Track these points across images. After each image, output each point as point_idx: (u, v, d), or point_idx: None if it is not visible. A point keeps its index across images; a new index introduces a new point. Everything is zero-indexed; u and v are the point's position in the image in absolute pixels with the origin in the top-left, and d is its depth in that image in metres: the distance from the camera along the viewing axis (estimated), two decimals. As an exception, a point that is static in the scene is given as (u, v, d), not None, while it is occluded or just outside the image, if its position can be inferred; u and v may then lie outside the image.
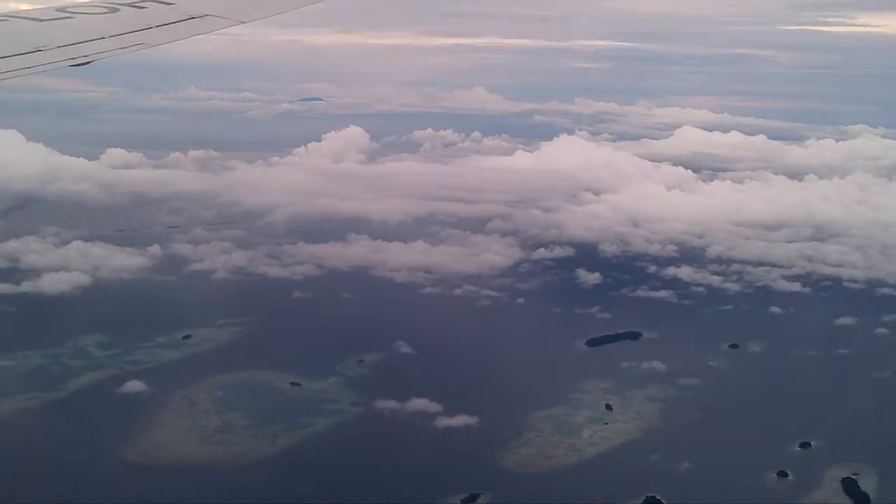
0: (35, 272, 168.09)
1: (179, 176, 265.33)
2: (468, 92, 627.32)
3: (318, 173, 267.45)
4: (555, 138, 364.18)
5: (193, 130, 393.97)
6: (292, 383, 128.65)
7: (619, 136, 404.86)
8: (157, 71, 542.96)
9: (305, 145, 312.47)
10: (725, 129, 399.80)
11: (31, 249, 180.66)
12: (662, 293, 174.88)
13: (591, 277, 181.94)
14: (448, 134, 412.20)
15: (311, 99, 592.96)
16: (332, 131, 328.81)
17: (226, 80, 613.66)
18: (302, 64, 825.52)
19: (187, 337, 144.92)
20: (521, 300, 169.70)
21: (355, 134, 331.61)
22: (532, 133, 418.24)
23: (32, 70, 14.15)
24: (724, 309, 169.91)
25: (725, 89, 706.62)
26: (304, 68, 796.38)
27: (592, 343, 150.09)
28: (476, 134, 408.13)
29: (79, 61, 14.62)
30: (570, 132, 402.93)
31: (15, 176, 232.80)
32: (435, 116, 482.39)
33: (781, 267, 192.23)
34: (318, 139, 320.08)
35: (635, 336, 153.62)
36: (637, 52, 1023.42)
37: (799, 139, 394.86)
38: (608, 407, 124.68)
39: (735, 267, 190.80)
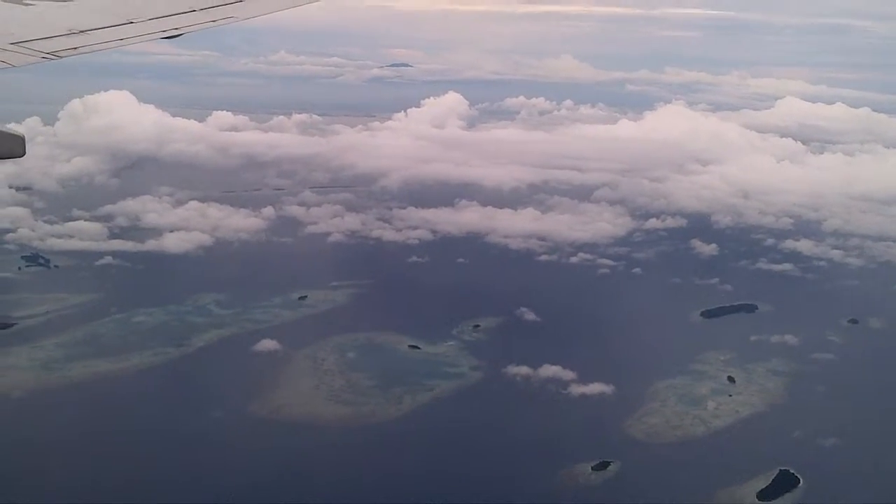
0: (156, 231, 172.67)
1: (286, 139, 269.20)
2: (557, 60, 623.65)
3: (424, 138, 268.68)
4: (654, 107, 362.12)
5: (288, 94, 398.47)
6: (411, 346, 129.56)
7: (717, 107, 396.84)
8: (246, 35, 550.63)
9: (405, 111, 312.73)
10: (825, 101, 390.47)
11: (150, 209, 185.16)
12: (784, 266, 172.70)
13: (707, 249, 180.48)
14: (540, 102, 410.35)
15: (400, 65, 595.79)
16: (431, 97, 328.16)
17: (314, 44, 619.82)
18: (388, 30, 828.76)
19: (303, 298, 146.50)
20: (637, 270, 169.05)
21: (454, 100, 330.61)
22: (625, 102, 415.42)
23: (124, 42, 14.07)
24: (848, 284, 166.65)
25: (821, 60, 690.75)
26: (391, 34, 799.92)
27: (708, 314, 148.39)
28: (568, 102, 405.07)
29: (169, 34, 14.37)
30: (667, 101, 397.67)
31: (131, 137, 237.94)
32: (524, 84, 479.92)
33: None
34: (417, 105, 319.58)
35: (751, 309, 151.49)
36: (728, 21, 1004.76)
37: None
38: (730, 379, 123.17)
39: (854, 241, 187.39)
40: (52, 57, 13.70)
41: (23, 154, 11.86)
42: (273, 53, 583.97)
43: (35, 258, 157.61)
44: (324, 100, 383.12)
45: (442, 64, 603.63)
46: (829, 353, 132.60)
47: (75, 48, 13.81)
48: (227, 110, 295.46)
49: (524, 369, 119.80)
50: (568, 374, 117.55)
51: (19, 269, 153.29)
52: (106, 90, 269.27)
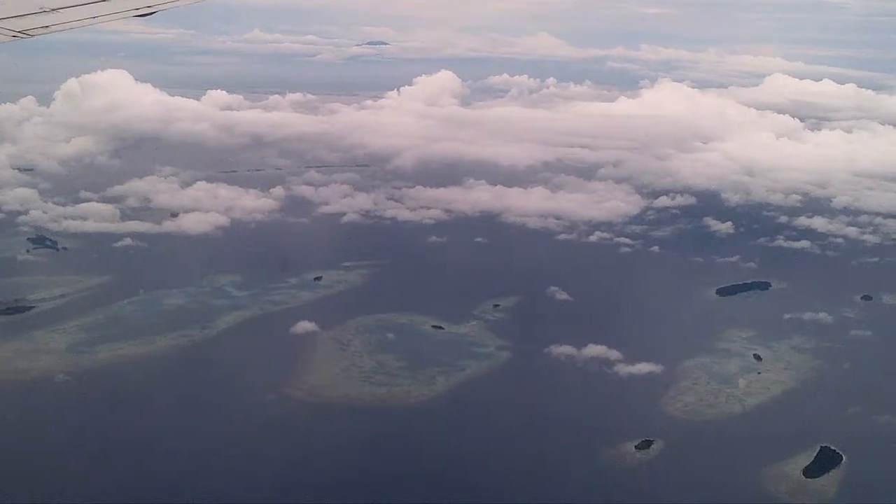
0: (167, 212, 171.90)
1: (287, 118, 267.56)
2: (533, 37, 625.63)
3: (426, 117, 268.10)
4: (639, 85, 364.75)
5: (272, 73, 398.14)
6: (434, 326, 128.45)
7: (702, 84, 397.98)
8: (218, 12, 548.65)
9: (397, 89, 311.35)
10: (803, 77, 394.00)
11: (160, 189, 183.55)
12: (803, 243, 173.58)
13: (723, 227, 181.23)
14: (524, 80, 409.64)
15: (378, 43, 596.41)
16: (422, 75, 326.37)
17: (287, 22, 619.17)
18: (359, 6, 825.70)
19: (318, 279, 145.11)
20: (655, 248, 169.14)
21: (446, 78, 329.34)
22: (610, 79, 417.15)
23: (97, 20, 14.40)
24: (868, 261, 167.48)
25: (794, 36, 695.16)
26: (362, 11, 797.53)
27: (723, 292, 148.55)
28: (551, 80, 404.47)
29: (142, 12, 14.89)
30: (652, 79, 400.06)
31: (133, 116, 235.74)
32: (504, 62, 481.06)
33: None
34: (404, 83, 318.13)
35: (765, 286, 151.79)
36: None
37: (881, 88, 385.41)
38: (757, 357, 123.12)
39: (864, 218, 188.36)
40: (24, 35, 13.74)
41: None
42: (247, 31, 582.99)
43: (42, 240, 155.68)
44: (308, 78, 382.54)
45: (418, 42, 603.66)
46: (851, 330, 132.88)
47: (47, 26, 14.01)
48: (219, 89, 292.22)
49: (557, 348, 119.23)
50: (602, 353, 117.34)
51: (27, 251, 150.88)
52: (84, 69, 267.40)
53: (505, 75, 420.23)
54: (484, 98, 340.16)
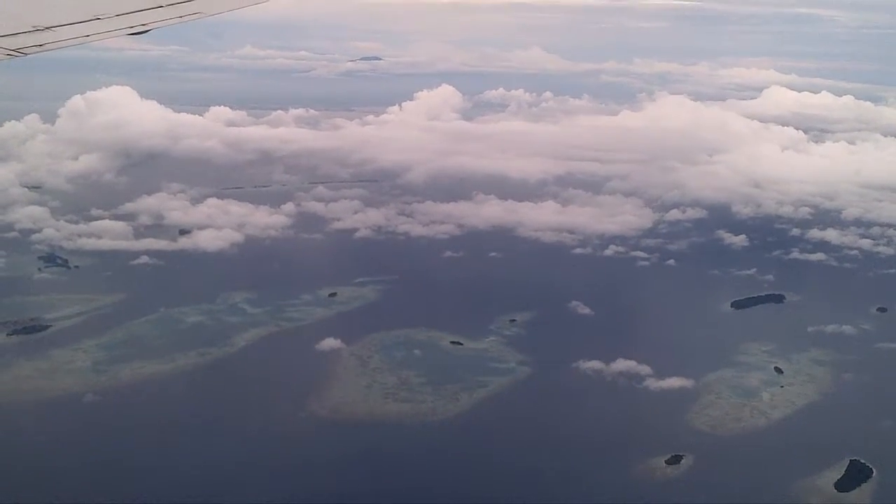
0: (179, 228, 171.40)
1: (295, 134, 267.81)
2: (526, 52, 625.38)
3: (432, 132, 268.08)
4: (636, 98, 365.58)
5: (267, 89, 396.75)
6: (453, 342, 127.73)
7: (699, 97, 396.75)
8: (210, 29, 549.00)
9: (399, 104, 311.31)
10: (799, 90, 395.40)
11: (171, 206, 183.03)
12: (818, 256, 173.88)
13: (737, 240, 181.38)
14: (521, 94, 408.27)
15: (371, 58, 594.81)
16: (423, 90, 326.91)
17: (279, 38, 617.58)
18: (350, 22, 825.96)
19: (333, 295, 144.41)
20: (671, 262, 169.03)
21: (447, 93, 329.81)
22: (607, 93, 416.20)
23: (91, 38, 14.43)
24: (883, 273, 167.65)
25: (786, 49, 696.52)
26: (353, 27, 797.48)
27: (738, 305, 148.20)
28: (547, 94, 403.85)
29: (136, 30, 14.83)
30: (649, 93, 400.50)
31: (139, 133, 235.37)
32: (499, 76, 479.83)
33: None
34: (402, 98, 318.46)
35: (779, 299, 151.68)
36: (692, 11, 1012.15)
37: (878, 100, 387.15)
38: (777, 370, 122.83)
39: (875, 230, 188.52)
40: (18, 54, 13.79)
41: None
42: (239, 48, 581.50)
43: (53, 258, 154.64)
44: (306, 94, 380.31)
45: (411, 57, 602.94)
46: (875, 343, 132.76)
47: (41, 45, 13.97)
48: (220, 105, 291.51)
49: (584, 363, 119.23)
50: (631, 367, 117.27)
51: (39, 269, 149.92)
52: (82, 86, 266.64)
53: (501, 89, 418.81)
54: (484, 112, 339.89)
